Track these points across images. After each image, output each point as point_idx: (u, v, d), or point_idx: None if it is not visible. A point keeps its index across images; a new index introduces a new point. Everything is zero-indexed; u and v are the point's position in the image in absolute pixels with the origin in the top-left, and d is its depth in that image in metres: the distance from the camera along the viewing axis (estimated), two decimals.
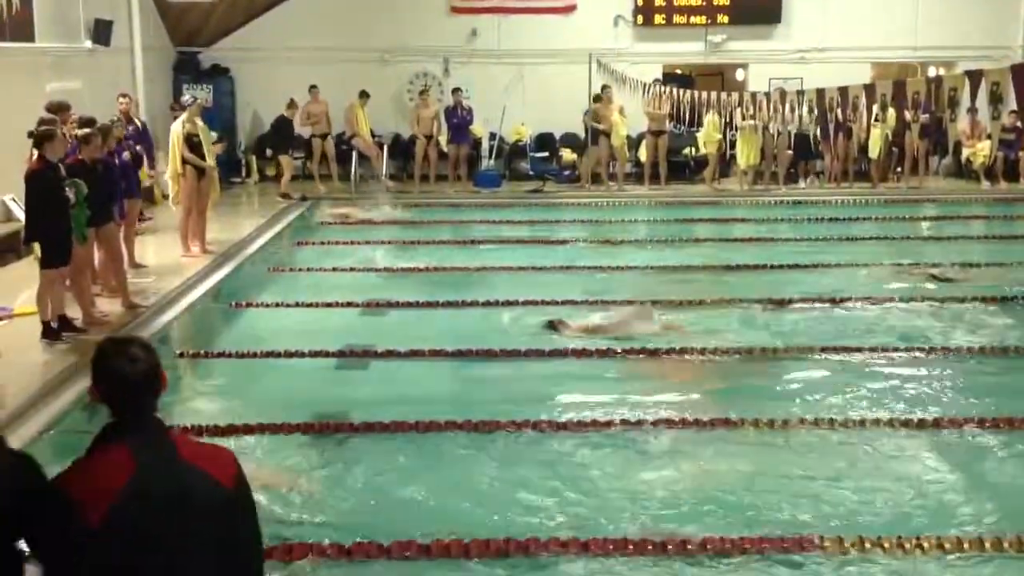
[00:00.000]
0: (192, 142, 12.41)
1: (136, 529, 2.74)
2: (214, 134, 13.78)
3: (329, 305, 10.45)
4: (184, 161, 12.33)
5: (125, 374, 2.84)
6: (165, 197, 14.17)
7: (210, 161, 12.62)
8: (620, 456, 6.61)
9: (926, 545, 5.31)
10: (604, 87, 18.99)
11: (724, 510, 5.83)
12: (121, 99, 13.59)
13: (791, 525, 5.60)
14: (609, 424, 7.04)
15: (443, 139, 19.01)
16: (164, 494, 2.77)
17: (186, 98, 13.71)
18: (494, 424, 7.01)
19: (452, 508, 5.86)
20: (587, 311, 9.94)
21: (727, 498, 5.97)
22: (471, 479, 6.27)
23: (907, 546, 5.31)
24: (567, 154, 20.01)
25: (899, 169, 19.46)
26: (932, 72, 20.37)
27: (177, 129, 12.48)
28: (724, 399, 7.70)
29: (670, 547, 5.32)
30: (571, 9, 20.28)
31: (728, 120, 18.81)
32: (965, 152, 19.26)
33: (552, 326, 9.42)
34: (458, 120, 18.74)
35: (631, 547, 5.32)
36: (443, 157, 19.07)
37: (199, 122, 12.66)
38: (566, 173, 19.78)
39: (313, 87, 18.39)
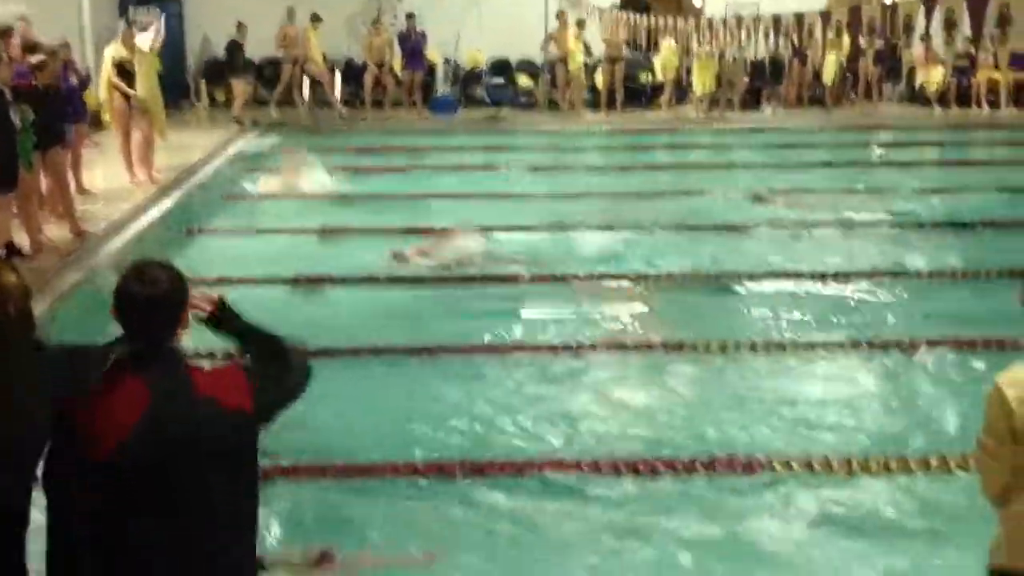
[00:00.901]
0: (123, 68, 12.06)
1: (146, 465, 2.62)
2: None
3: (282, 232, 10.37)
4: (114, 87, 12.05)
5: (137, 297, 2.69)
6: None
7: (140, 92, 12.15)
8: (564, 380, 6.65)
9: (873, 466, 5.42)
10: (560, 12, 18.77)
11: (673, 433, 5.91)
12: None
13: (739, 447, 5.69)
14: (559, 348, 7.10)
15: (397, 64, 18.77)
16: (180, 430, 2.65)
17: (126, 22, 13.34)
18: (451, 348, 7.04)
19: (405, 431, 5.89)
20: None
21: (675, 421, 6.06)
22: (427, 403, 6.29)
23: (853, 466, 5.42)
24: (523, 80, 19.84)
25: (853, 95, 19.55)
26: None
27: (109, 53, 12.17)
28: (670, 323, 7.77)
29: (622, 469, 5.40)
30: None
31: (685, 46, 18.71)
32: (919, 78, 19.34)
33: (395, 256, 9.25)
34: (412, 46, 18.52)
35: (584, 468, 5.40)
36: (399, 84, 18.85)
37: (146, 47, 12.32)
38: (523, 99, 19.63)
39: (291, 10, 18.02)
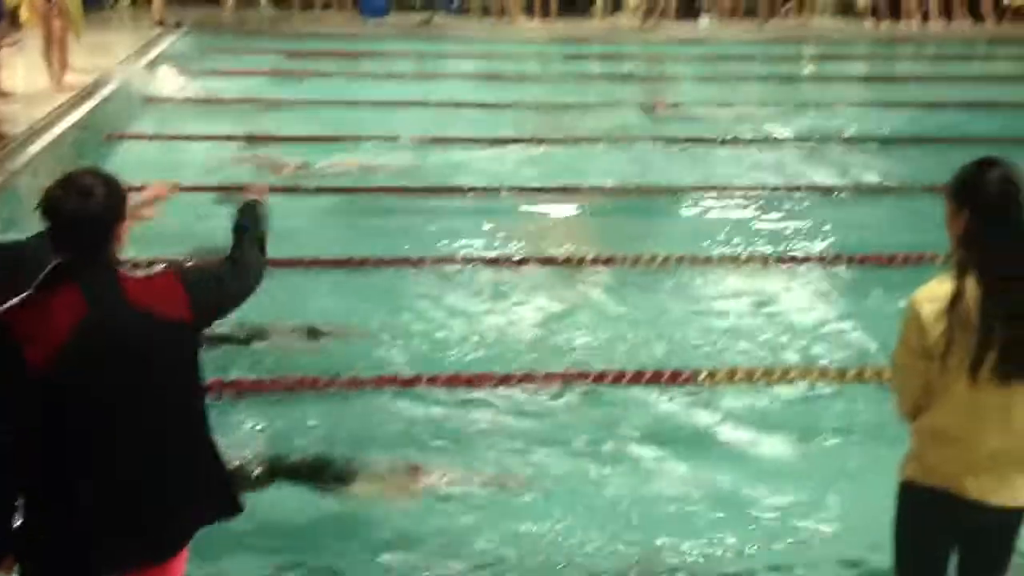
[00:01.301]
0: None
1: (88, 373, 2.60)
2: None
3: (207, 138, 10.15)
4: None
5: (66, 211, 2.61)
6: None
7: None
8: (492, 294, 6.69)
9: (792, 376, 5.56)
10: None
11: (601, 345, 6.00)
12: None
13: (667, 358, 5.79)
14: (487, 261, 7.12)
15: None
16: (120, 338, 2.63)
17: None
18: (378, 261, 7.02)
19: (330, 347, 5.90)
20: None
21: (604, 334, 6.13)
22: (353, 315, 6.28)
23: (775, 376, 5.56)
24: None
25: (787, 6, 19.51)
26: None
27: None
28: (598, 236, 7.82)
29: (553, 382, 5.48)
30: None
31: None
32: None
33: None
34: None
35: (515, 380, 5.46)
36: None
37: None
38: (455, 4, 19.28)
39: None
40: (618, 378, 5.52)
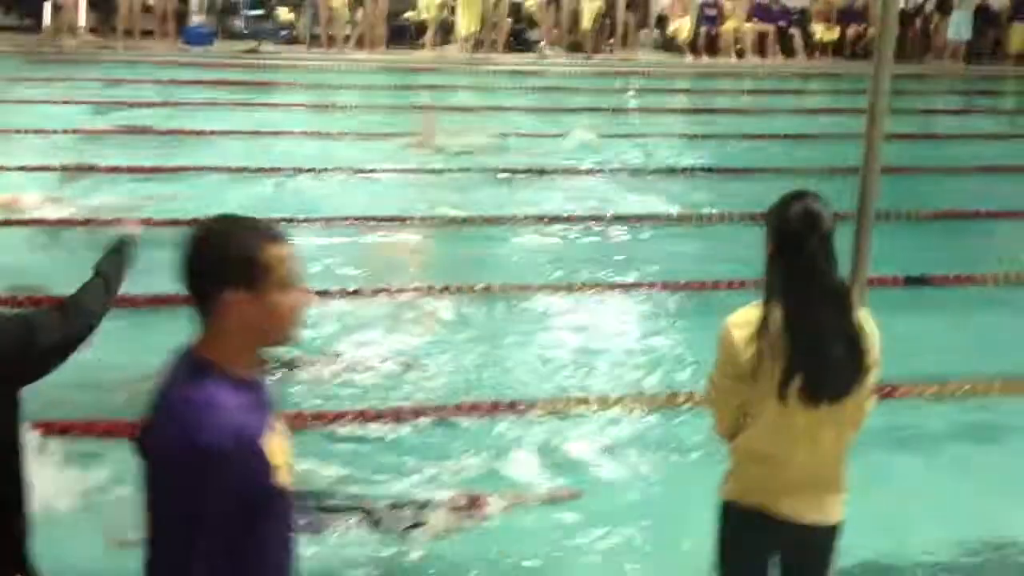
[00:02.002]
0: None
1: None
2: None
3: (22, 169, 9.70)
4: None
5: None
6: None
7: None
8: (322, 323, 6.60)
9: (615, 403, 5.68)
10: None
11: (436, 376, 5.99)
12: None
13: (500, 387, 5.83)
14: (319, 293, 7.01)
15: None
16: None
17: None
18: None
19: None
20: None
21: (437, 365, 6.13)
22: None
23: (590, 403, 5.67)
24: (284, 13, 19.26)
25: (611, 41, 20.08)
26: None
27: None
28: (427, 268, 7.84)
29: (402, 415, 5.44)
30: None
31: None
32: (671, 26, 20.04)
33: None
34: None
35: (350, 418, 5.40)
36: (148, 10, 17.89)
37: None
38: (283, 33, 19.07)
39: None
40: (457, 410, 5.52)
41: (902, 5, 18.36)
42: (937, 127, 14.88)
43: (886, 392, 5.47)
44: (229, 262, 2.09)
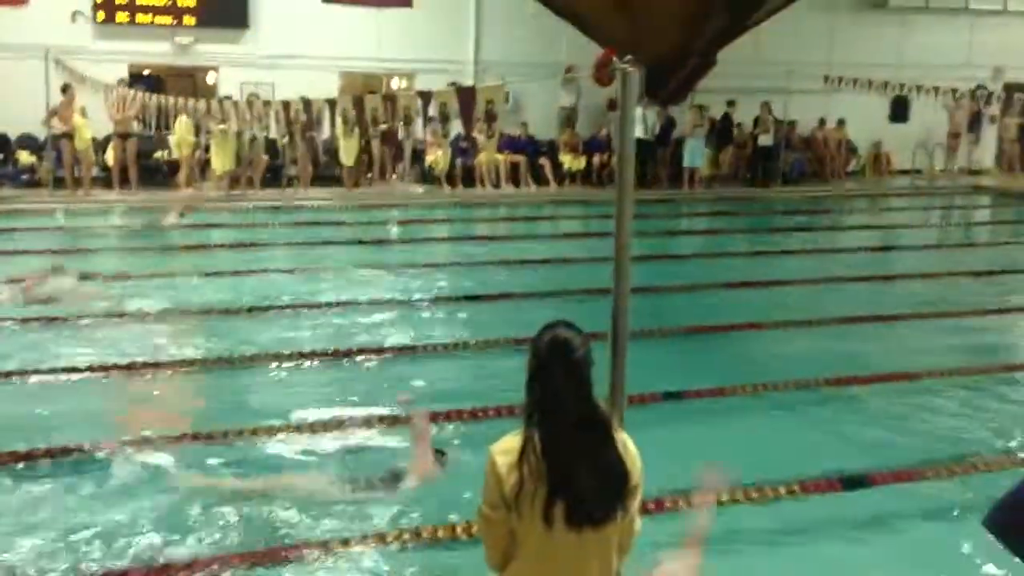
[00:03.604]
0: None
1: None
2: None
3: None
4: None
5: None
6: None
7: None
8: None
9: (371, 538, 5.54)
10: (65, 86, 17.77)
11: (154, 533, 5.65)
12: None
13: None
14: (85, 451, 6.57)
15: None
16: None
17: None
18: None
19: None
20: None
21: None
22: None
23: (351, 544, 5.50)
24: (24, 156, 18.48)
25: (370, 175, 20.34)
26: (395, 82, 21.56)
27: None
28: (173, 412, 7.50)
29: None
30: (22, 1, 18.76)
31: (201, 124, 18.45)
32: (428, 159, 20.52)
33: None
34: None
35: None
36: None
37: None
38: (24, 177, 18.25)
39: None
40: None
41: (641, 135, 19.53)
42: (682, 247, 15.76)
43: (653, 506, 5.62)
44: None
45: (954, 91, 22.11)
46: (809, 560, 5.51)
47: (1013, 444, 7.14)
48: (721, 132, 22.54)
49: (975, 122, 24.29)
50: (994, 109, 23.64)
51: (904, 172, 23.67)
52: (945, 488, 6.33)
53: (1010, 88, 23.76)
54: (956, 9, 25.01)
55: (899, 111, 24.05)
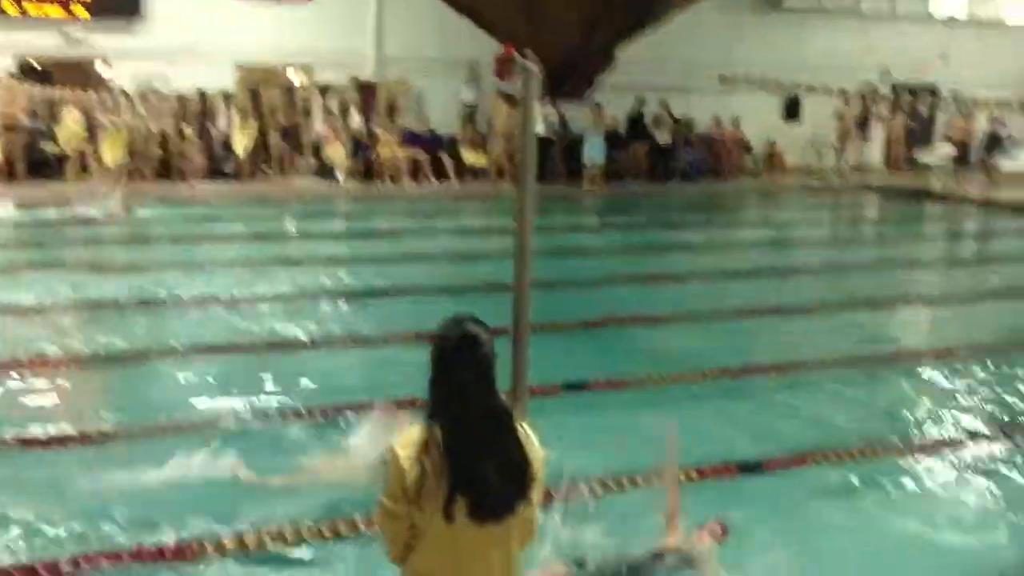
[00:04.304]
0: None
1: None
2: None
3: None
4: None
5: None
6: None
7: None
8: None
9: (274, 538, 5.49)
10: None
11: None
12: None
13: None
14: None
15: None
16: None
17: None
18: None
19: None
20: None
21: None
22: None
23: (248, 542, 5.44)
24: None
25: (268, 169, 20.04)
26: (292, 75, 21.32)
27: None
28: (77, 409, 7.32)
29: None
30: None
31: (91, 117, 17.99)
32: (327, 154, 20.30)
33: None
34: None
35: None
36: None
37: None
38: None
39: None
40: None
41: (542, 132, 19.63)
42: (582, 243, 15.91)
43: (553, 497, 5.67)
44: None
45: (844, 92, 22.72)
46: None
47: (900, 430, 7.39)
48: (633, 128, 22.76)
49: (864, 122, 25.01)
50: (882, 109, 24.38)
51: (797, 170, 24.26)
52: (836, 472, 6.52)
53: (897, 89, 24.53)
54: (848, 11, 25.71)
55: (792, 111, 24.63)
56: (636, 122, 22.85)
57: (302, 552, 5.36)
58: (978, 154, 23.26)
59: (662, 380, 8.31)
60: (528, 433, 3.11)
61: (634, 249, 15.21)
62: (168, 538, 5.35)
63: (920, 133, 25.54)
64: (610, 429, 7.17)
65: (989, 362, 9.19)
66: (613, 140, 22.16)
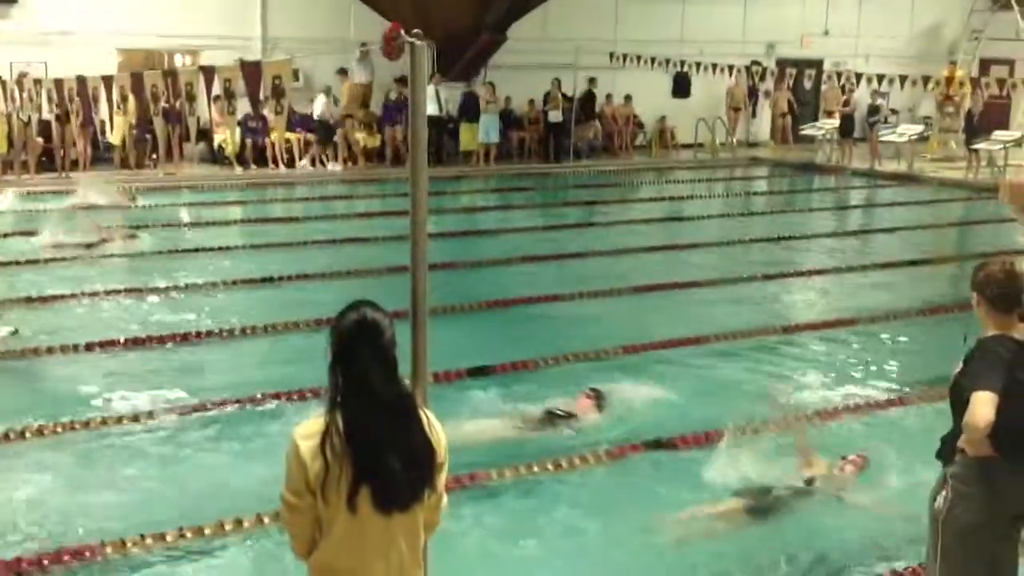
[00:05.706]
0: None
1: None
2: None
3: None
4: None
5: None
6: None
7: None
8: None
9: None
10: None
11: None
12: None
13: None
14: None
15: None
16: None
17: None
18: None
19: None
20: None
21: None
22: None
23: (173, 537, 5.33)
24: None
25: (154, 156, 19.51)
26: (178, 59, 20.76)
27: None
28: None
29: None
30: None
31: None
32: (217, 139, 19.86)
33: None
34: None
35: None
36: None
37: None
38: None
39: None
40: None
41: (434, 112, 19.48)
42: (478, 223, 15.87)
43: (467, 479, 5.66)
44: None
45: (731, 67, 23.07)
46: (628, 521, 5.74)
47: (799, 398, 7.56)
48: (583, 107, 22.73)
49: (751, 96, 25.41)
50: (768, 84, 24.82)
51: (688, 146, 24.55)
52: (742, 442, 6.62)
53: (782, 64, 24.99)
54: None
55: (681, 87, 24.87)
56: (587, 100, 22.88)
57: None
58: (860, 126, 23.83)
59: (565, 359, 8.38)
60: (431, 419, 3.06)
61: (531, 228, 15.20)
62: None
63: (805, 107, 26.07)
64: (514, 412, 7.18)
65: (877, 328, 9.50)
66: (507, 119, 22.15)
